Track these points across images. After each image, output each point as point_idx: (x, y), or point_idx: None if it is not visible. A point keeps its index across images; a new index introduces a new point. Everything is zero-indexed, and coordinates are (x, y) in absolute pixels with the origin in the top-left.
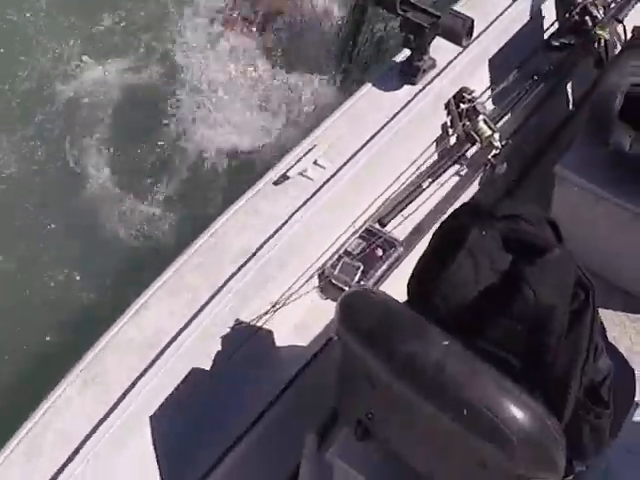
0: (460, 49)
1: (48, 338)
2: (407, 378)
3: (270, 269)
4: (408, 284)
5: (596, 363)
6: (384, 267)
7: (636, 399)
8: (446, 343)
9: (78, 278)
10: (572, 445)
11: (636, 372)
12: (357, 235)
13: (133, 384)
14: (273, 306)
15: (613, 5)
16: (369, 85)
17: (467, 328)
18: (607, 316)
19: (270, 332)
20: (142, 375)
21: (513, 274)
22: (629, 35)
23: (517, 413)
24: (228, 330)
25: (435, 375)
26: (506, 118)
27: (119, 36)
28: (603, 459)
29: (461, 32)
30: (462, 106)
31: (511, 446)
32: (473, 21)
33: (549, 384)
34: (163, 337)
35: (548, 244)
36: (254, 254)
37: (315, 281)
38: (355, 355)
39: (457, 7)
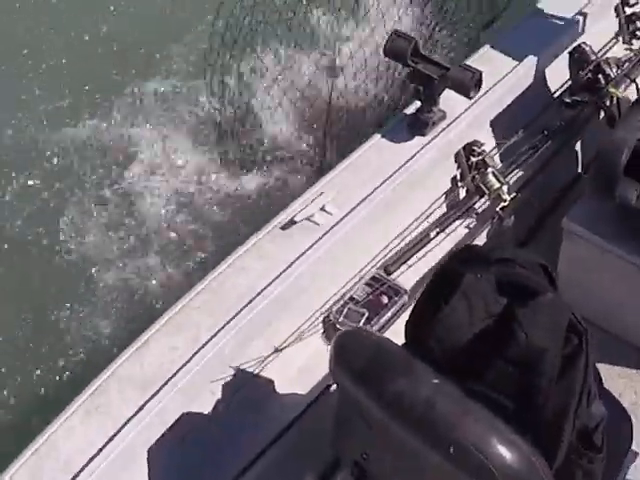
0: (471, 102)
1: (53, 368)
2: (396, 416)
3: (274, 312)
4: (405, 326)
5: (589, 408)
6: (388, 314)
7: (634, 449)
8: (436, 381)
9: (85, 314)
10: None
11: (639, 423)
12: (363, 282)
13: (134, 416)
14: (276, 349)
15: (627, 64)
16: (379, 135)
17: (461, 370)
18: (613, 369)
19: (273, 375)
20: (142, 408)
21: (506, 317)
22: None
23: (503, 451)
24: (230, 370)
25: (424, 413)
26: (516, 172)
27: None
28: None
29: (469, 84)
30: (472, 159)
31: None
32: (482, 74)
33: (541, 427)
34: (165, 372)
35: (541, 287)
36: (258, 295)
37: (319, 326)
38: (349, 394)
39: (470, 61)
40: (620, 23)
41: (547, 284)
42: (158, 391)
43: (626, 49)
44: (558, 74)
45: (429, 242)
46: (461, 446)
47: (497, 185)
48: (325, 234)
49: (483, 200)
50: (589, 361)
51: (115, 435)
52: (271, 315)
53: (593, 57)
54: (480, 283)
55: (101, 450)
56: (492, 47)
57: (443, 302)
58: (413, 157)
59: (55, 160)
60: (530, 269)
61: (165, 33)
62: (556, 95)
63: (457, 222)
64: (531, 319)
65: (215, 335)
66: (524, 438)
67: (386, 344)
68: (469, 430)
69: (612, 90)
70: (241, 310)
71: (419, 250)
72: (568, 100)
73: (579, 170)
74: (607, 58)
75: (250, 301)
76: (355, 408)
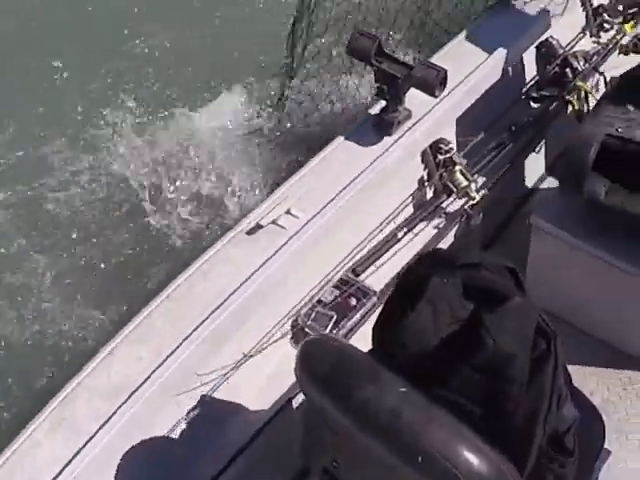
0: (437, 100)
1: (18, 382)
2: (362, 425)
3: (241, 318)
4: (372, 331)
5: (560, 411)
6: (357, 316)
7: (607, 447)
8: (403, 390)
9: (51, 320)
10: None
11: (611, 421)
12: (331, 284)
13: (100, 428)
14: (245, 356)
15: (595, 57)
16: (344, 136)
17: (427, 376)
18: (584, 365)
19: (242, 382)
20: (109, 420)
21: (473, 322)
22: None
23: (471, 459)
24: (197, 380)
25: (390, 421)
26: (484, 169)
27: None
28: None
29: (434, 83)
30: (439, 157)
31: None
32: (446, 72)
33: (511, 433)
34: (130, 383)
35: (509, 292)
36: (224, 301)
37: (288, 331)
38: (314, 402)
39: (435, 58)
40: (587, 16)
41: (514, 288)
42: (124, 403)
43: (594, 42)
44: (525, 69)
45: (397, 242)
46: (428, 455)
47: (465, 183)
48: (291, 238)
49: (451, 199)
50: (558, 364)
51: (81, 449)
52: (238, 322)
53: (560, 51)
54: (446, 288)
55: (67, 465)
56: (458, 44)
57: (409, 308)
58: (379, 157)
59: None
60: (497, 273)
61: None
62: (523, 90)
63: (425, 222)
64: (498, 325)
65: (181, 344)
66: (493, 445)
67: (350, 351)
68: (436, 439)
69: (580, 84)
70: (207, 317)
71: (387, 251)
72: (535, 95)
73: (547, 165)
74: (574, 52)
75: (216, 308)
76: (321, 416)
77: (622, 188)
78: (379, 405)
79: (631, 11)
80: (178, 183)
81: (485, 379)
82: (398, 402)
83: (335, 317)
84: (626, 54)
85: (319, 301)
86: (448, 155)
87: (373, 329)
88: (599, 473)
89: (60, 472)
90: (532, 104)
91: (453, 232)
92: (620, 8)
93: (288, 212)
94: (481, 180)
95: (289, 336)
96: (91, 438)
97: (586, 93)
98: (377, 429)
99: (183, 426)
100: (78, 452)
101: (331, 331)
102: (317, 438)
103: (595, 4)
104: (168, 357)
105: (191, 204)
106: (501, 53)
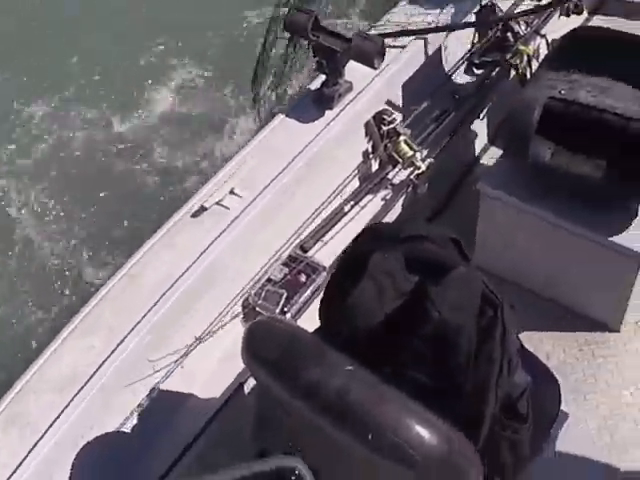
0: (378, 70)
1: None
2: (311, 406)
3: (190, 301)
4: (319, 309)
5: (511, 378)
6: (307, 293)
7: (564, 409)
8: (350, 368)
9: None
10: (491, 461)
11: (568, 383)
12: (280, 262)
13: (53, 422)
14: (197, 339)
15: (535, 21)
16: (286, 112)
17: (375, 352)
18: (539, 329)
19: (194, 365)
20: (62, 413)
21: (419, 295)
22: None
23: (420, 431)
24: (149, 365)
25: (338, 401)
26: (429, 138)
27: None
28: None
29: (373, 54)
30: (383, 128)
31: (417, 465)
32: (384, 42)
33: (463, 403)
34: (81, 374)
35: (452, 262)
36: (172, 286)
37: (240, 311)
38: (263, 385)
39: (374, 30)
40: None
41: (458, 258)
42: (76, 395)
43: (534, 5)
44: (466, 35)
45: (344, 216)
46: (378, 432)
47: (410, 153)
48: (237, 218)
49: (396, 170)
50: (507, 331)
51: (35, 445)
52: (188, 306)
53: (501, 15)
54: (387, 262)
55: (23, 461)
56: (396, 13)
57: (352, 285)
58: (322, 132)
59: None
60: (441, 244)
61: None
62: (465, 57)
63: (371, 194)
64: (443, 296)
65: (131, 331)
66: (445, 417)
67: (297, 332)
68: (385, 415)
69: (522, 48)
70: (157, 302)
71: (335, 225)
72: (477, 61)
73: (492, 131)
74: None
75: (165, 292)
76: (273, 399)
77: (566, 150)
78: (327, 385)
79: None
80: (128, 167)
81: (433, 351)
82: (345, 380)
83: (285, 294)
84: (567, 16)
85: (269, 280)
86: (392, 126)
87: (319, 307)
88: (558, 435)
89: (16, 469)
90: (475, 70)
91: (400, 203)
92: None
93: (232, 192)
94: (426, 149)
95: (241, 317)
96: (45, 433)
97: (528, 57)
98: (325, 408)
99: (136, 416)
100: (33, 447)
101: (282, 309)
102: (271, 421)
103: None
104: (118, 345)
105: (137, 189)
106: (441, 20)
